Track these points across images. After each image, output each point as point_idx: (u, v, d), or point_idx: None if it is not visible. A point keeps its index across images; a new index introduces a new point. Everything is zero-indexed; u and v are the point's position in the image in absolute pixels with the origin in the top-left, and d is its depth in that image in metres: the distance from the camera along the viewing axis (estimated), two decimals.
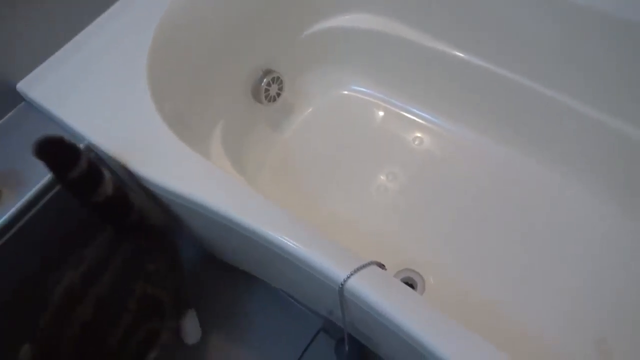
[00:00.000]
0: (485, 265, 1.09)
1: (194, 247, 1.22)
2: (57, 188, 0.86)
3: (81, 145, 0.88)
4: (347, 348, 1.01)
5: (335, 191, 1.21)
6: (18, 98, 0.92)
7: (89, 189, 0.75)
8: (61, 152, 0.71)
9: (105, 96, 0.89)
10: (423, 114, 1.29)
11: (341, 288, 0.69)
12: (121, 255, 0.82)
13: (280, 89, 1.24)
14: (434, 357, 0.64)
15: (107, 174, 0.76)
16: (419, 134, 1.27)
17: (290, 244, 0.72)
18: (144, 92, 0.89)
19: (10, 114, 0.92)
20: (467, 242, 1.12)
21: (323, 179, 1.23)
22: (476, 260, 1.10)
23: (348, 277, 0.69)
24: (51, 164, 0.71)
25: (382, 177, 1.22)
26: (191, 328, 1.10)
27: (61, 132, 0.89)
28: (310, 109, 1.33)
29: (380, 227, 1.15)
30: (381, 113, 1.32)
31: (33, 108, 0.92)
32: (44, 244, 0.91)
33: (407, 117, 1.30)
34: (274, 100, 1.25)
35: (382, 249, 1.12)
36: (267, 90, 1.22)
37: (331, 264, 0.70)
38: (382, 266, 0.74)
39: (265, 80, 1.20)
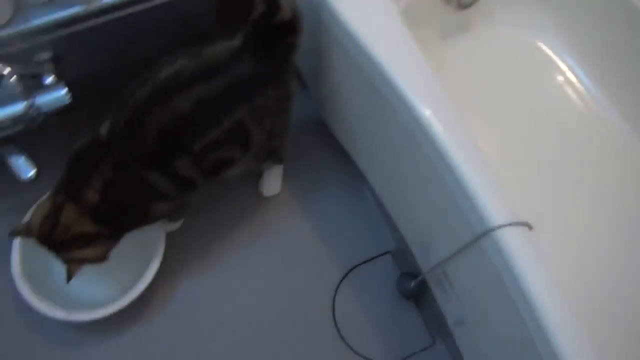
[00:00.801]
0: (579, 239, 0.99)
1: (316, 111, 1.14)
2: None
3: None
4: (412, 284, 0.96)
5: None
6: None
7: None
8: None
9: None
10: (601, 98, 1.12)
11: (486, 233, 0.61)
12: (241, 71, 0.75)
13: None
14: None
15: None
16: (584, 111, 1.11)
17: (462, 162, 0.62)
18: None
19: None
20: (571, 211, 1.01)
21: (462, 109, 1.11)
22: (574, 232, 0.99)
23: (503, 226, 0.60)
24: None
25: (520, 137, 1.09)
26: (271, 182, 1.06)
27: None
28: (491, 37, 1.17)
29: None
30: (560, 78, 1.15)
31: None
32: (175, 27, 0.85)
33: (583, 92, 1.13)
34: (463, 7, 1.10)
35: None
36: None
37: (492, 204, 0.61)
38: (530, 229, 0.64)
39: None
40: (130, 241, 0.86)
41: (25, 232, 0.80)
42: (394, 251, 1.05)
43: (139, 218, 0.82)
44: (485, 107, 1.11)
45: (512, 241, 0.59)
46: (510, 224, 0.60)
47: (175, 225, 0.99)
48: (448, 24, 1.14)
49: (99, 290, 0.95)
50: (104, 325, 0.94)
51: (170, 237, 0.96)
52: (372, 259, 1.05)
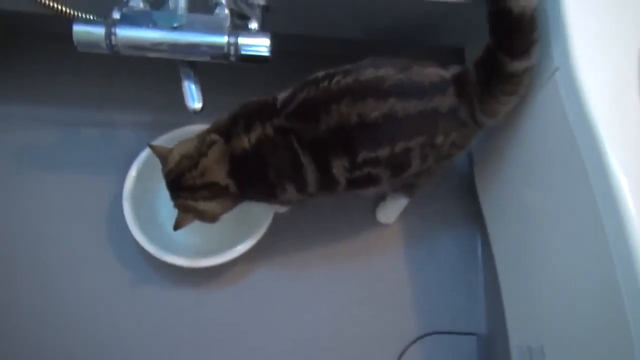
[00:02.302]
0: None
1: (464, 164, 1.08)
2: None
3: None
4: None
5: None
6: None
7: None
8: None
9: None
10: None
11: None
12: (438, 104, 0.71)
13: None
14: None
15: None
16: None
17: None
18: None
19: None
20: None
21: None
22: None
23: None
24: None
25: None
26: (390, 211, 1.00)
27: None
28: None
29: None
30: None
31: None
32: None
33: None
34: None
35: None
36: None
37: None
38: None
39: None
40: (240, 208, 0.83)
41: (161, 156, 0.78)
42: (481, 335, 0.96)
43: (268, 189, 0.78)
44: None
45: None
46: None
47: (283, 209, 0.95)
48: None
49: (190, 240, 0.92)
50: (175, 273, 0.92)
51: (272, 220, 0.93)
52: (455, 333, 0.97)
